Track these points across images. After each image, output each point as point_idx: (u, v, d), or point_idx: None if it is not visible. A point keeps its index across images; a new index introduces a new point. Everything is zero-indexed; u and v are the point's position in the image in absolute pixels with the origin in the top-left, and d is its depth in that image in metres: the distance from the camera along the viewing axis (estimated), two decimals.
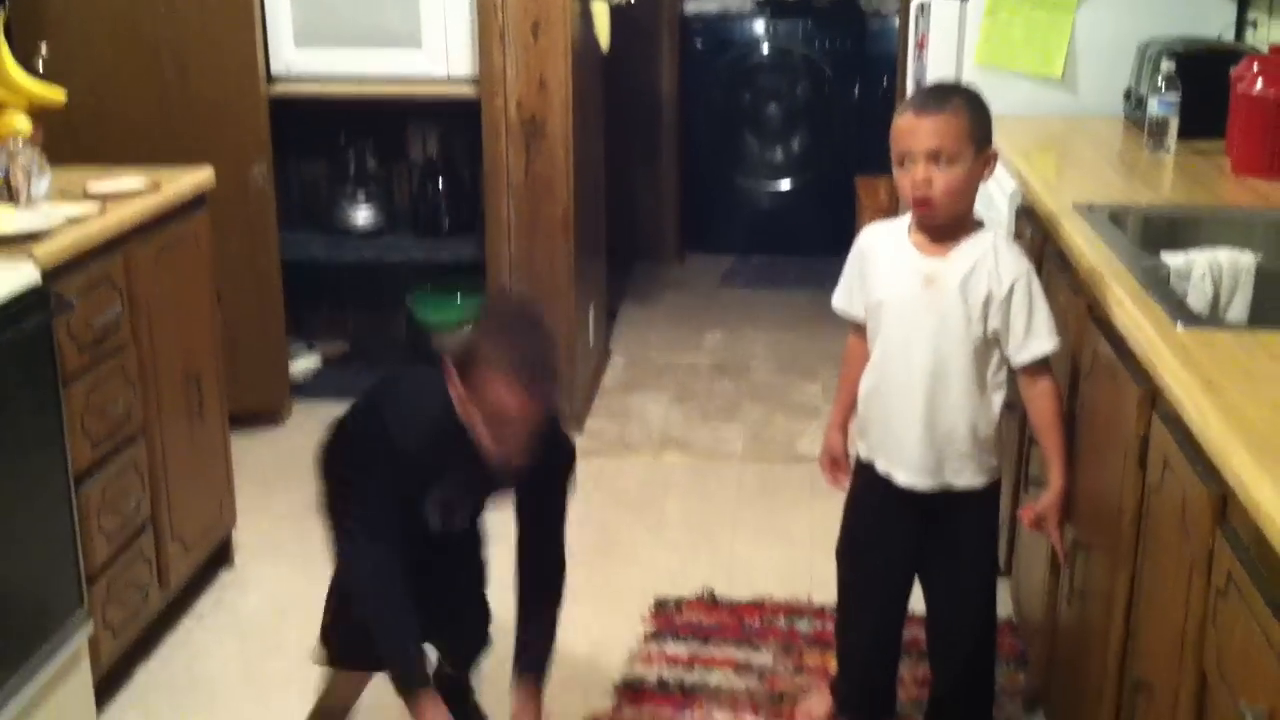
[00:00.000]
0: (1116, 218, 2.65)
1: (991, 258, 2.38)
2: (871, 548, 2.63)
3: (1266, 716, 1.50)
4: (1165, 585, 1.91)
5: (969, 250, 2.39)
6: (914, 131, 2.34)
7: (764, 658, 3.05)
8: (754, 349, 5.22)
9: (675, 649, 3.09)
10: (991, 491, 2.53)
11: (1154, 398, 2.01)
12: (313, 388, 4.59)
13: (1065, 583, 2.48)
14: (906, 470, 2.47)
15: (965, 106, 2.36)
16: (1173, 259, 2.46)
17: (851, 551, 2.68)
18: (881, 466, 2.52)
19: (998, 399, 2.44)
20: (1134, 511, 2.06)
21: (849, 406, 2.60)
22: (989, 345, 2.40)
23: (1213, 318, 2.37)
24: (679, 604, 3.27)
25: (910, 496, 2.49)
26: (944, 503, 2.49)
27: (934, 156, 2.32)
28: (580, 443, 4.29)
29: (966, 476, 2.47)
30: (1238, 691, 1.61)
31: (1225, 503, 1.69)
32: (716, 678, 2.97)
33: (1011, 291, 2.36)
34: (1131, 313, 2.11)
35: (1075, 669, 2.46)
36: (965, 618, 2.61)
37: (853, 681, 2.74)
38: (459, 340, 2.21)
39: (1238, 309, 2.46)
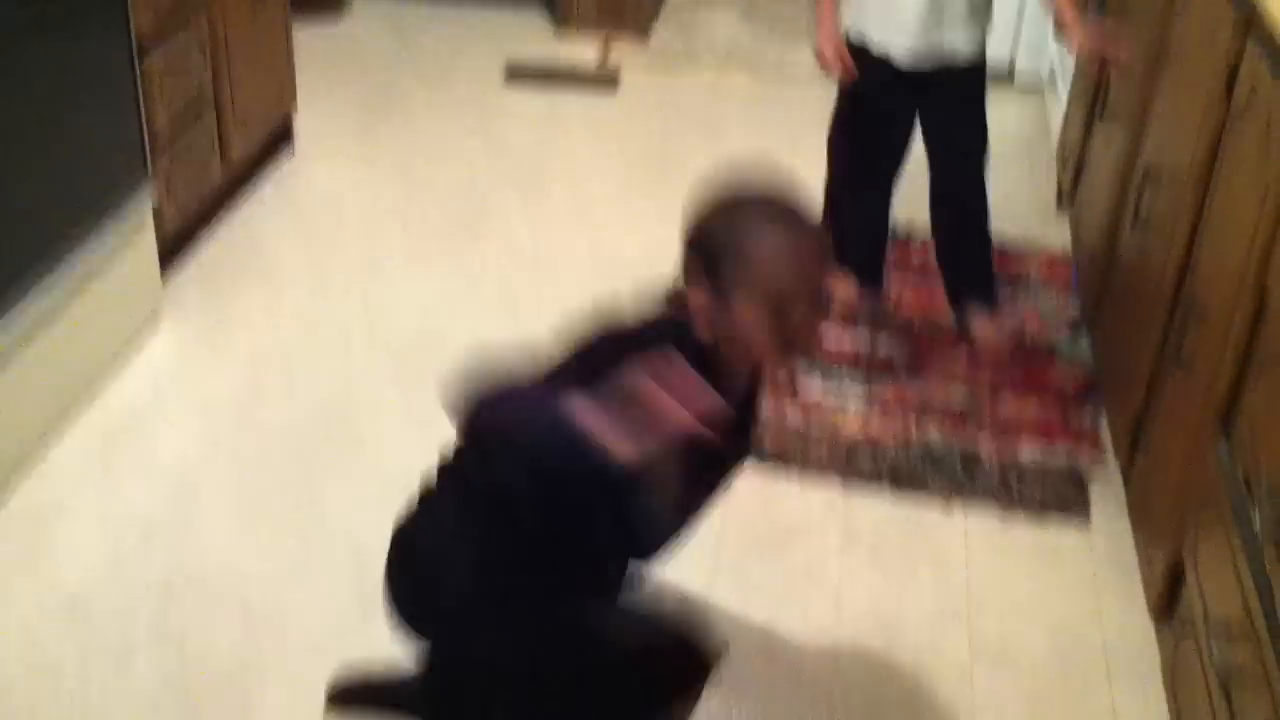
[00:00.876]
0: None
1: None
2: (869, 120, 2.72)
3: None
4: (1235, 210, 1.89)
5: None
6: None
7: None
8: None
9: None
10: (979, 64, 2.63)
11: (1249, 22, 1.93)
12: None
13: (1130, 209, 2.46)
14: (905, 35, 2.55)
15: None
16: None
17: (850, 128, 2.75)
18: (878, 41, 2.59)
19: None
20: (1213, 136, 2.02)
21: (835, 9, 2.64)
22: None
23: None
24: None
25: (904, 75, 2.59)
26: (937, 79, 2.59)
27: None
28: (644, 58, 4.25)
29: (960, 44, 2.55)
30: None
31: None
32: None
33: None
34: None
35: (1128, 294, 2.47)
36: (964, 174, 2.71)
37: (845, 258, 2.83)
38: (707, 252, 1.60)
39: None
